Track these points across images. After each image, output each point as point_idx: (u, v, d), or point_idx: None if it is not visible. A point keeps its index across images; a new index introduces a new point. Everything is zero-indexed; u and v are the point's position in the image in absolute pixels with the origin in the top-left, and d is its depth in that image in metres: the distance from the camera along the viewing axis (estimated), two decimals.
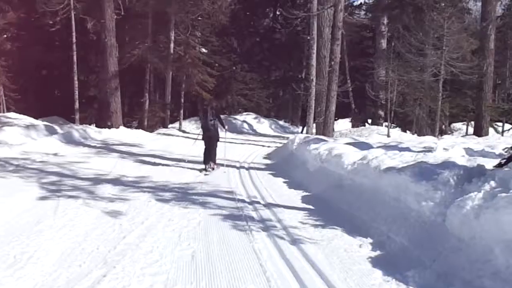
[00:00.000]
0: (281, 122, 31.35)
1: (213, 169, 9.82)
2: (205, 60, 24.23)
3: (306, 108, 21.90)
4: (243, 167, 10.75)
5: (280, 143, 17.49)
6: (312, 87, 18.32)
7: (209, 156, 9.90)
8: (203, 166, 9.86)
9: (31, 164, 9.31)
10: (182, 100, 24.14)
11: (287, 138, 16.53)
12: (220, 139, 10.19)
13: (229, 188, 7.88)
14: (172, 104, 24.29)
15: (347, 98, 25.28)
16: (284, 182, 8.66)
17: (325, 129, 14.02)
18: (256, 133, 25.48)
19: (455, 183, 4.84)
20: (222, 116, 10.45)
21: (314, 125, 18.76)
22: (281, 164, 11.18)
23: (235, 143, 14.99)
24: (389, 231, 4.94)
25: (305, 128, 20.55)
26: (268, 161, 12.23)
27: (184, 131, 22.04)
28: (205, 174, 9.37)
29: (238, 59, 30.48)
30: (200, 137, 10.35)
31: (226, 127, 10.51)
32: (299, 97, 33.40)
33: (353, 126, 26.76)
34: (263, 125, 28.50)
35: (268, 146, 16.58)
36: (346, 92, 24.36)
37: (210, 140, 9.95)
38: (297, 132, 25.00)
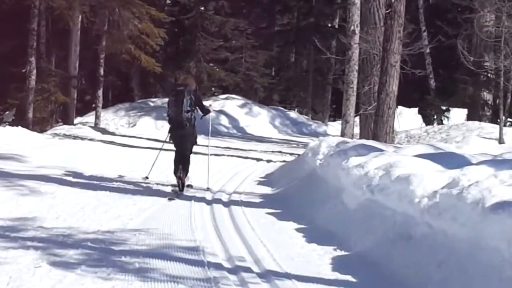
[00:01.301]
0: (293, 114, 31.42)
1: (181, 189, 11.07)
2: None
3: (341, 88, 21.94)
4: (219, 200, 10.82)
5: (291, 154, 17.46)
6: (352, 45, 18.41)
7: (179, 166, 11.09)
8: (156, 198, 10.41)
9: None
10: (102, 71, 24.14)
11: (305, 145, 16.52)
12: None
13: (192, 241, 7.90)
14: (82, 77, 24.27)
15: (422, 68, 25.37)
16: (298, 230, 8.69)
17: (378, 128, 14.07)
18: (245, 135, 25.52)
19: None
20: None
21: (357, 119, 18.84)
22: (291, 195, 11.21)
23: (205, 153, 15.00)
24: None
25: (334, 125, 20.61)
26: (267, 189, 12.29)
27: (105, 131, 22.02)
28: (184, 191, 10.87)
29: None
30: (168, 137, 11.45)
31: (210, 113, 11.88)
32: (328, 65, 33.59)
33: (432, 123, 26.89)
34: (259, 120, 28.58)
35: (268, 161, 16.59)
36: (419, 57, 24.44)
37: (183, 141, 11.11)
38: (323, 134, 25.07)
